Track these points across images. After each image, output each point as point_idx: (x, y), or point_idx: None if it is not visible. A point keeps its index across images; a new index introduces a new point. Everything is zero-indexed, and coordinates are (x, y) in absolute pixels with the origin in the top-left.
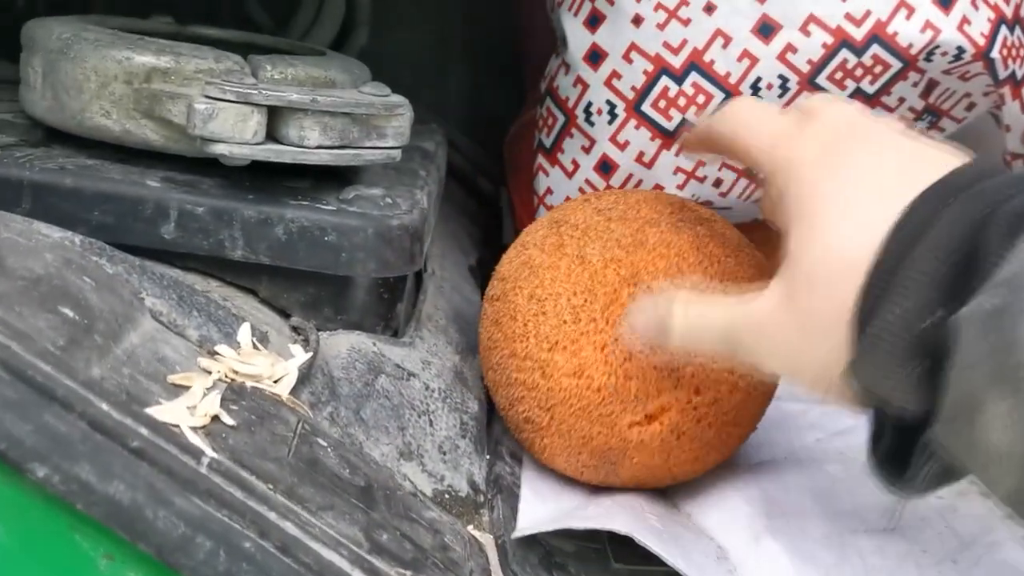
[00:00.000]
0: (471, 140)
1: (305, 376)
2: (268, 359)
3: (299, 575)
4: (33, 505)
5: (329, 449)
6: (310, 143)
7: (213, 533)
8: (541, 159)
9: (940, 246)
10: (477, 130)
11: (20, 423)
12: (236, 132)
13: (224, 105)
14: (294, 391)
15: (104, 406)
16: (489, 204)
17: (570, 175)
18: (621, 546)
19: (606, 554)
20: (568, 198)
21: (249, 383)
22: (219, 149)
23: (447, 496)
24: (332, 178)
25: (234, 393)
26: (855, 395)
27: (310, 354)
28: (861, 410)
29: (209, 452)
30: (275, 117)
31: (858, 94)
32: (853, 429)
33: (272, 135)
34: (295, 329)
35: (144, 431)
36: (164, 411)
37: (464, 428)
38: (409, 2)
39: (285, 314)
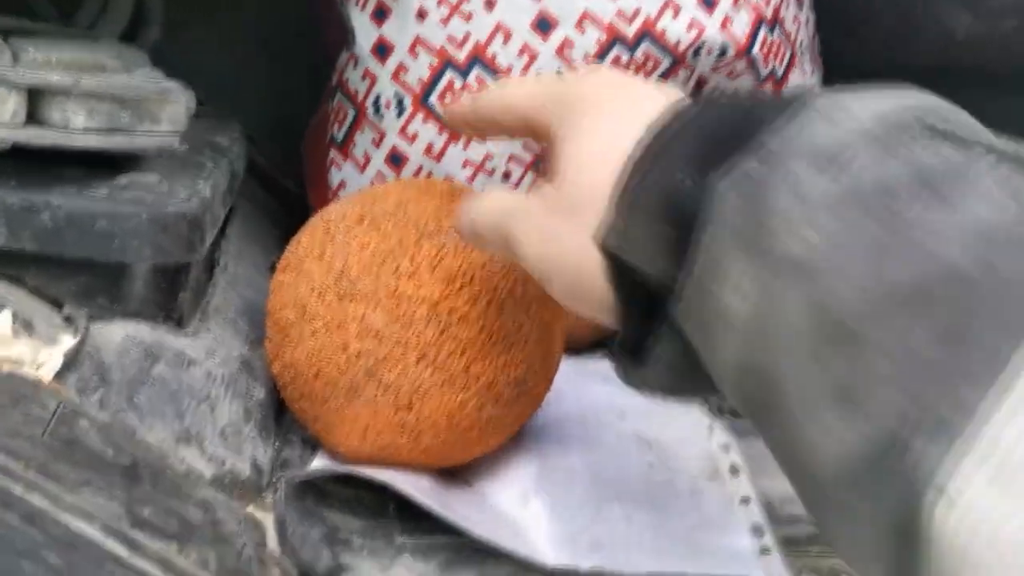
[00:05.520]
0: (276, 141)
1: (71, 363)
2: (29, 345)
3: (47, 546)
4: None
5: (93, 431)
6: (75, 127)
7: None
8: (334, 153)
9: (699, 122)
10: (283, 131)
11: None
12: None
13: None
14: (60, 378)
15: None
16: (294, 204)
17: (362, 168)
18: (406, 520)
19: (392, 529)
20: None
21: (6, 368)
22: None
23: (228, 479)
24: (106, 166)
25: None
26: (606, 269)
27: (76, 339)
28: (609, 316)
29: None
30: (38, 100)
31: None
32: (632, 406)
33: (36, 119)
34: (67, 319)
35: None
36: None
37: (248, 413)
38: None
39: (58, 304)
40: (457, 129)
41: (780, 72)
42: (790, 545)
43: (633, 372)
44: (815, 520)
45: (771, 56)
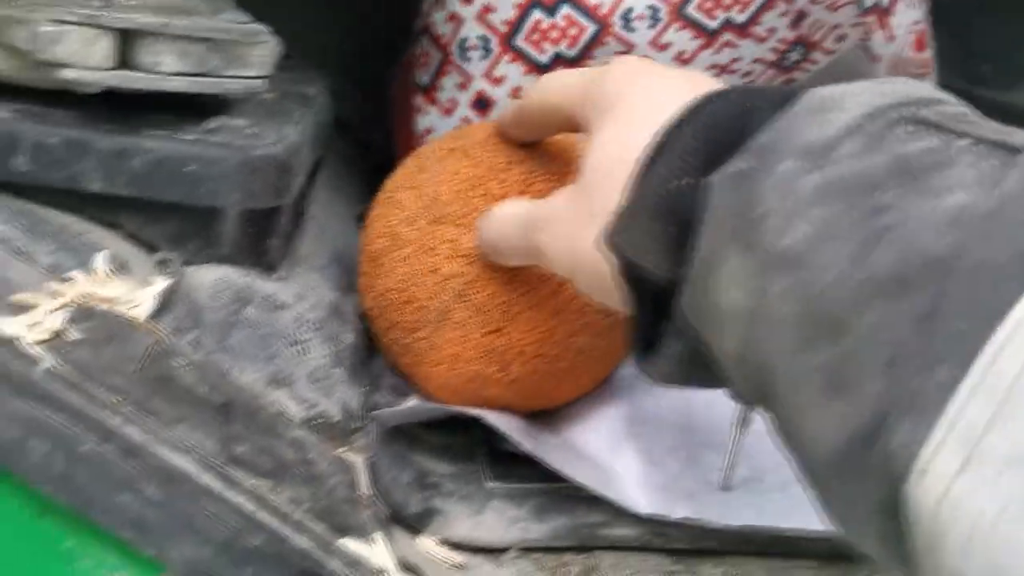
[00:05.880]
0: (360, 93)
1: (166, 304)
2: (125, 286)
3: (145, 478)
4: None
5: (187, 369)
6: (166, 69)
7: (48, 436)
8: (419, 99)
9: (701, 124)
10: (367, 82)
11: None
12: (84, 57)
13: (70, 28)
14: (155, 319)
15: None
16: (379, 157)
17: (448, 113)
18: (496, 467)
19: (481, 475)
20: None
21: (102, 306)
22: (67, 75)
23: (319, 421)
24: (196, 111)
25: (83, 314)
26: (615, 268)
27: (170, 282)
28: (627, 305)
29: (49, 362)
30: (130, 44)
31: (728, 25)
32: None
33: (128, 63)
34: (161, 263)
35: None
36: (1, 324)
37: (338, 357)
38: None
39: (152, 248)
40: (513, 138)
41: (886, 3)
42: None
43: (647, 364)
44: (816, 498)
45: None
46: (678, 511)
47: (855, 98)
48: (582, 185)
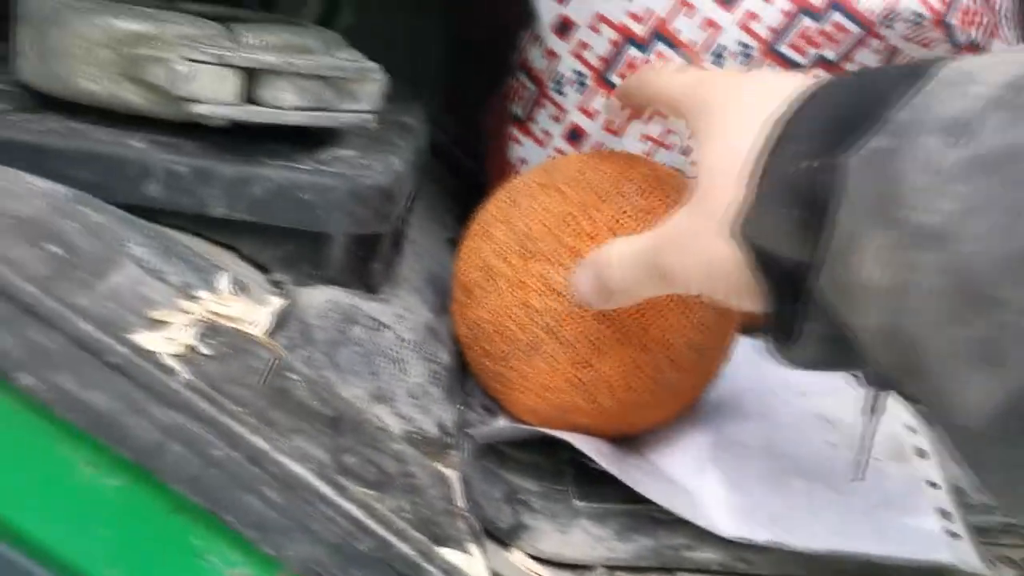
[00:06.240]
0: (455, 120)
1: (281, 322)
2: (245, 305)
3: (266, 483)
4: (21, 413)
5: (301, 383)
6: (286, 105)
7: (185, 441)
8: (514, 129)
9: (821, 107)
10: (461, 110)
11: (5, 336)
12: (214, 93)
13: (203, 67)
14: (271, 336)
15: (84, 325)
16: (471, 182)
17: (542, 144)
18: (583, 487)
19: (568, 494)
20: None
21: (227, 324)
22: (199, 109)
23: (416, 436)
24: (310, 142)
25: (211, 330)
26: (748, 259)
27: (284, 302)
28: (762, 304)
29: (184, 374)
30: (253, 81)
31: (821, 61)
32: (813, 385)
33: (251, 99)
34: (275, 283)
35: (123, 349)
36: (143, 338)
37: (435, 376)
38: None
39: (264, 270)
40: (625, 103)
41: (980, 40)
42: (981, 534)
43: (786, 350)
44: (972, 471)
45: (969, 23)
46: (762, 534)
47: (993, 68)
48: (700, 194)
